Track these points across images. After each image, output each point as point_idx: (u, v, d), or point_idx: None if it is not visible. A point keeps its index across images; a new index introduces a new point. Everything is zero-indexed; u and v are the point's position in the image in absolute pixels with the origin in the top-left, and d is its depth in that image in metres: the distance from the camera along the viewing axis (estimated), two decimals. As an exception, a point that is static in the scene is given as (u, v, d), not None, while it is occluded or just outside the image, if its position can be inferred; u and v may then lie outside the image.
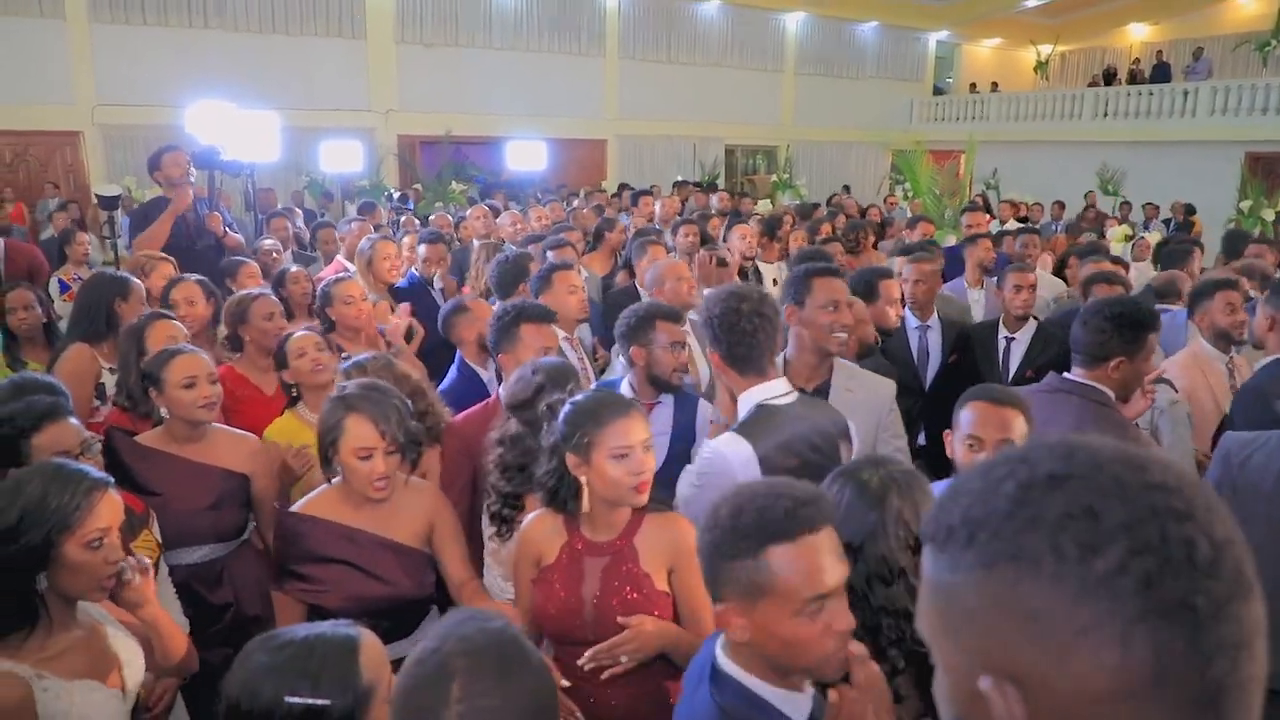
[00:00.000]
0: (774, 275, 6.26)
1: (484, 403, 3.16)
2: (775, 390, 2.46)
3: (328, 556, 2.38)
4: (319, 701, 1.38)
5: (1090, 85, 20.24)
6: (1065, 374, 2.92)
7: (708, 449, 2.43)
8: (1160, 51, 20.36)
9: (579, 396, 2.19)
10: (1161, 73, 18.95)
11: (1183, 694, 0.63)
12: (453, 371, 3.82)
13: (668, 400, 3.17)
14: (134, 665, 2.05)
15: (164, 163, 5.19)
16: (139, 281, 3.90)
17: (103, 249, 7.52)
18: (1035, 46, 21.51)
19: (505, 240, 6.30)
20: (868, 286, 4.00)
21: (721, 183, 17.76)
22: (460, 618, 1.36)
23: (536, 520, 2.24)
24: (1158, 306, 5.09)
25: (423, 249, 5.25)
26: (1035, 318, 4.46)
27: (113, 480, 1.98)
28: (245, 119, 5.53)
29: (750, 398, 2.47)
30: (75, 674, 1.86)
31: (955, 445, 2.38)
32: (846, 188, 16.89)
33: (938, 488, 2.71)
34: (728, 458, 2.34)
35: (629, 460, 2.04)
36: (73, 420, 2.36)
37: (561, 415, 2.14)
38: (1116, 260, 7.35)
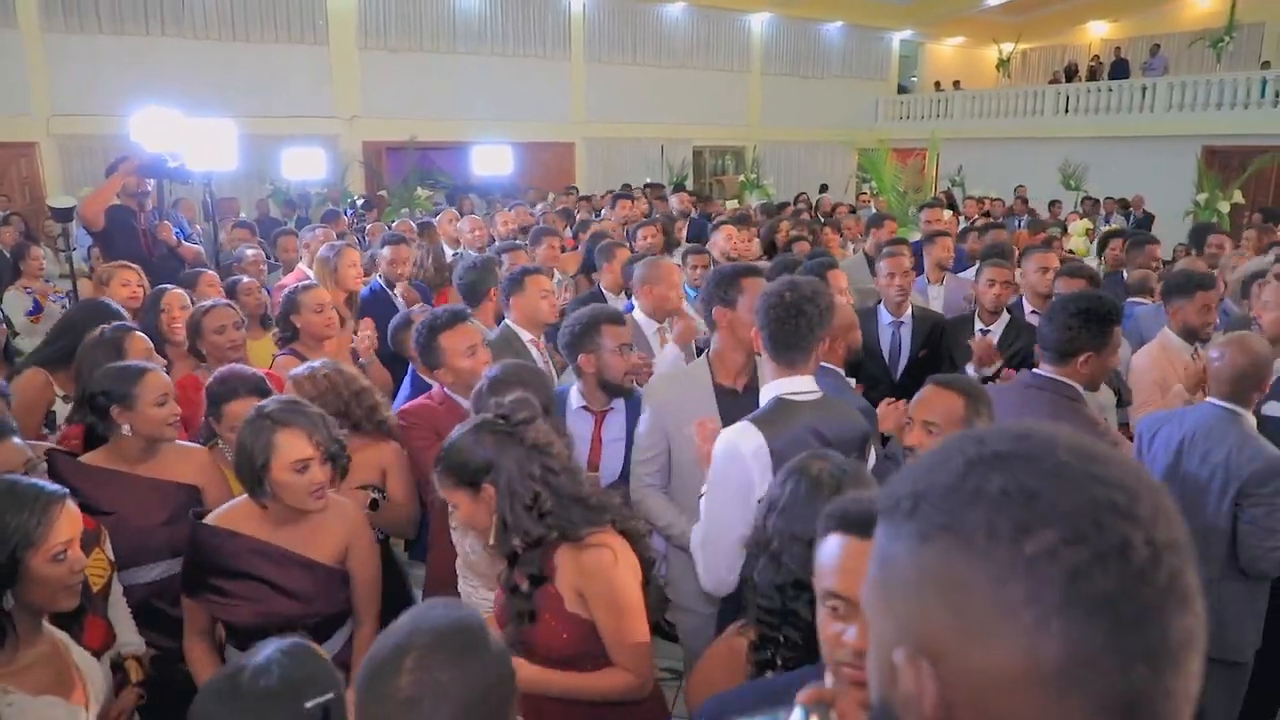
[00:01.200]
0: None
1: (428, 393, 3.16)
2: (797, 386, 2.44)
3: (241, 571, 2.35)
4: (328, 695, 1.39)
5: (1051, 82, 20.47)
6: (1034, 370, 2.98)
7: (720, 440, 2.40)
8: (1119, 48, 20.67)
9: None
10: (1120, 69, 19.22)
11: (1094, 694, 0.61)
12: (406, 386, 3.76)
13: (619, 406, 3.16)
14: (96, 682, 2.03)
15: (121, 169, 5.15)
16: (120, 310, 3.77)
17: (57, 261, 7.39)
18: (997, 45, 21.75)
19: (466, 246, 6.25)
20: (816, 275, 4.01)
21: (690, 183, 17.80)
22: (430, 604, 1.42)
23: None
24: (1130, 301, 5.18)
25: (386, 251, 5.16)
26: (1009, 310, 4.50)
27: (66, 491, 1.96)
28: (199, 127, 5.44)
29: (771, 389, 2.48)
30: (40, 689, 1.85)
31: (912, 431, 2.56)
32: (824, 187, 16.96)
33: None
34: (739, 446, 2.34)
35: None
36: (16, 440, 2.30)
37: None
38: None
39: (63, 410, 3.36)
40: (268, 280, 5.77)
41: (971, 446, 0.69)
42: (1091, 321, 2.80)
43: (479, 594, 2.58)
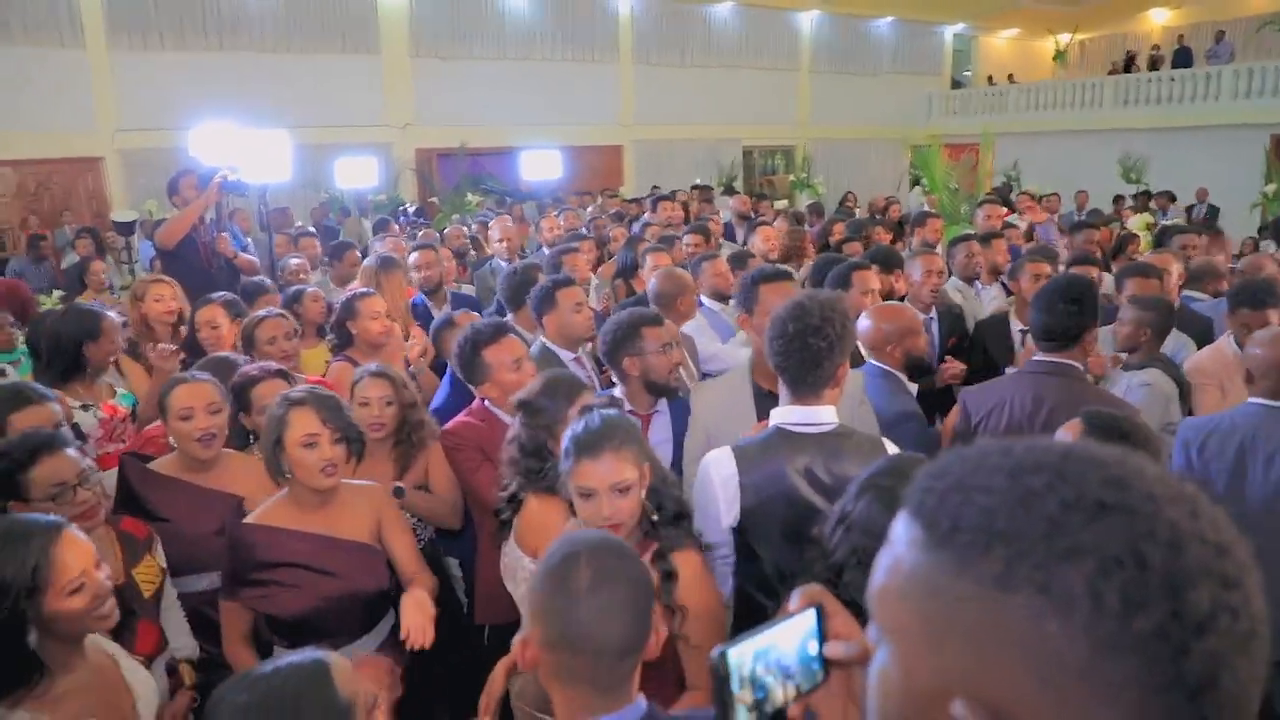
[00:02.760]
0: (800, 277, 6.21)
1: (469, 409, 3.18)
2: (805, 417, 2.33)
3: (280, 561, 2.43)
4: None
5: (1110, 73, 19.97)
6: (1039, 358, 3.04)
7: (701, 462, 2.39)
8: (1182, 36, 20.07)
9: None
10: (1183, 57, 18.68)
11: None
12: (445, 386, 3.77)
13: (664, 408, 3.16)
14: (145, 696, 2.06)
15: (181, 186, 5.33)
16: (112, 317, 3.80)
17: (119, 273, 7.63)
18: (1053, 36, 21.27)
19: (496, 255, 6.27)
20: (841, 278, 3.96)
21: (740, 184, 17.73)
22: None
23: (574, 523, 2.19)
24: (1185, 295, 5.04)
25: (414, 258, 5.14)
26: None
27: (63, 520, 1.94)
28: (254, 139, 5.58)
29: (776, 416, 2.39)
30: (78, 716, 1.85)
31: None
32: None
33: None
34: (709, 471, 2.32)
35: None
36: (70, 451, 2.37)
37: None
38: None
39: (84, 419, 3.43)
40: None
41: (1064, 488, 0.61)
42: (1084, 302, 2.95)
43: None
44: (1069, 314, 2.90)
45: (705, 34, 18.12)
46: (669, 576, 1.97)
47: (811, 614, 1.01)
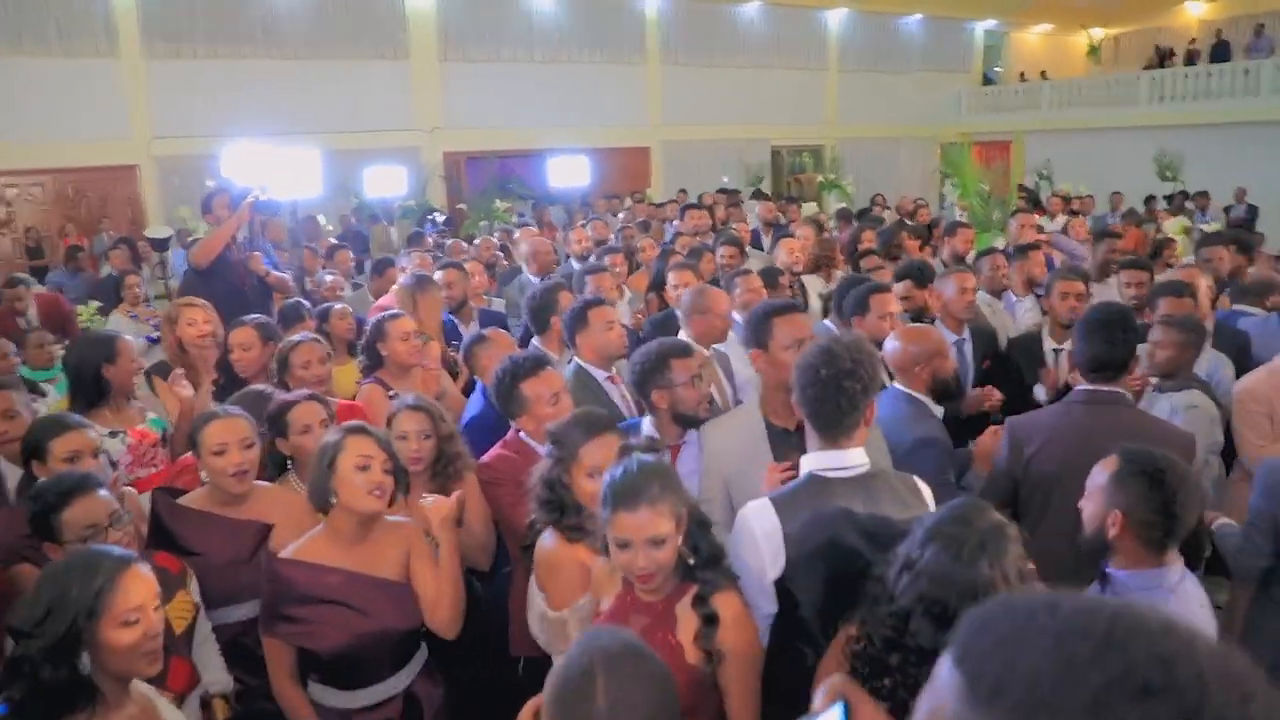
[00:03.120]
0: (820, 290, 6.17)
1: (504, 441, 3.18)
2: (838, 461, 2.28)
3: (318, 597, 2.45)
4: None
5: (1145, 68, 19.64)
6: (1087, 387, 3.00)
7: (740, 514, 2.34)
8: (1219, 30, 19.70)
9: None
10: (1221, 52, 18.33)
11: None
12: (478, 400, 3.82)
13: (693, 439, 3.14)
14: None
15: (214, 205, 5.40)
16: (128, 340, 3.79)
17: (154, 286, 7.73)
18: (1086, 31, 20.96)
19: (529, 273, 6.26)
20: (859, 302, 3.91)
21: (768, 184, 17.65)
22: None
23: (603, 562, 2.23)
24: (1237, 309, 4.94)
25: (438, 275, 5.10)
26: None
27: (135, 555, 2.03)
28: (284, 156, 5.64)
29: (808, 463, 2.34)
30: None
31: None
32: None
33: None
34: (750, 530, 2.26)
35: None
36: (102, 493, 2.40)
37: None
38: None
39: (112, 446, 3.43)
40: (348, 302, 5.91)
41: (1113, 661, 0.60)
42: (1132, 330, 3.00)
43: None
44: (1119, 344, 2.92)
45: (732, 34, 18.05)
46: (710, 620, 1.97)
47: (838, 710, 1.01)
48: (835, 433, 2.28)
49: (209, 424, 2.80)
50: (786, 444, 2.85)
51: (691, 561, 2.05)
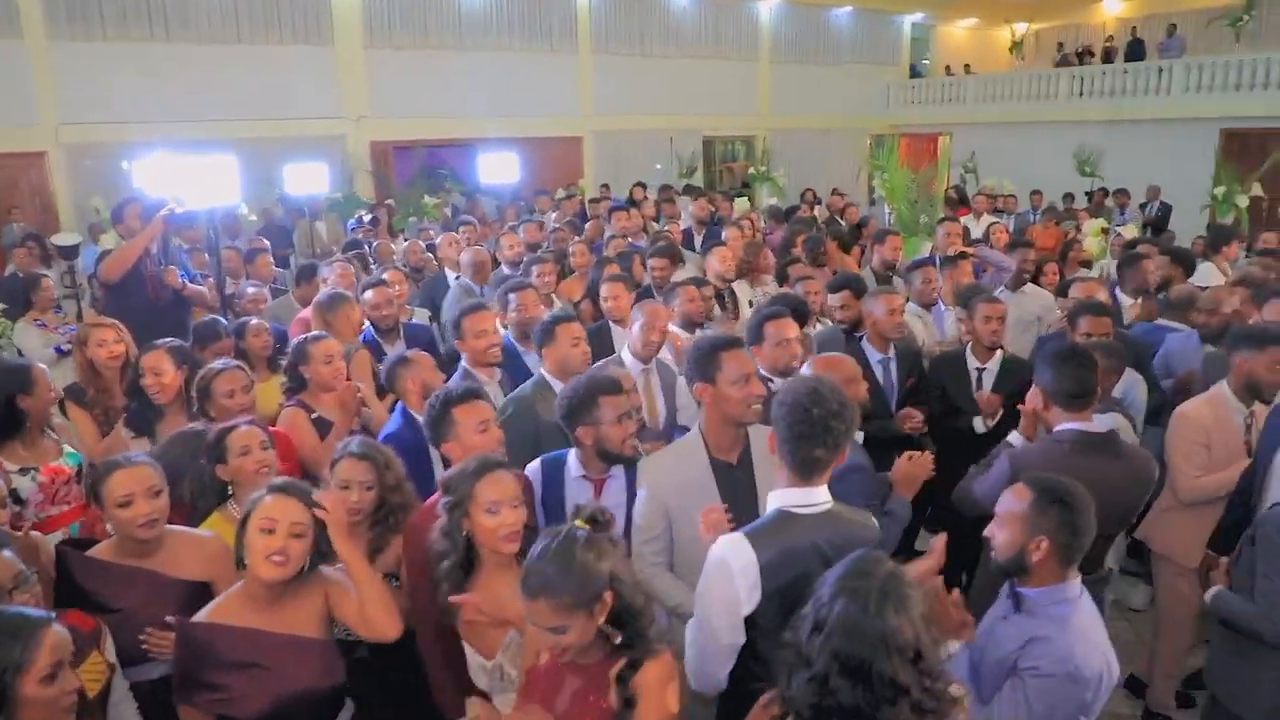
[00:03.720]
0: (749, 298, 6.19)
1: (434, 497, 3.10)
2: (806, 499, 2.34)
3: (237, 662, 2.37)
4: None
5: (1060, 64, 20.16)
6: (1076, 426, 3.06)
7: (714, 549, 2.32)
8: (1135, 28, 20.32)
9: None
10: (1136, 50, 18.91)
11: None
12: (397, 419, 3.81)
13: (618, 472, 3.12)
14: None
15: (126, 215, 5.17)
16: (43, 369, 3.63)
17: (61, 290, 7.37)
18: (1010, 25, 21.41)
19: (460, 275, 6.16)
20: (754, 331, 3.89)
21: (700, 175, 17.67)
22: None
23: None
24: (1162, 324, 5.09)
25: (369, 296, 5.00)
26: (1001, 347, 4.46)
27: (53, 615, 2.06)
28: (201, 162, 5.40)
29: (776, 499, 2.38)
30: None
31: None
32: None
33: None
34: (728, 562, 2.26)
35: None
36: (6, 553, 2.30)
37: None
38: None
39: (22, 484, 3.31)
40: (271, 310, 5.73)
41: None
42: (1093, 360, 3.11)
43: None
44: (1091, 370, 3.05)
45: (665, 23, 17.97)
46: (628, 703, 1.97)
47: None
48: (811, 471, 2.33)
49: (112, 474, 2.66)
50: (730, 478, 2.88)
51: (618, 641, 2.01)
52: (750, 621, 2.28)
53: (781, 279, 6.31)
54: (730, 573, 2.24)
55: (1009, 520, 2.38)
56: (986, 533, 2.46)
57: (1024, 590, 2.41)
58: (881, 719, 1.69)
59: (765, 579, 2.23)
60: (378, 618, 2.49)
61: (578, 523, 2.06)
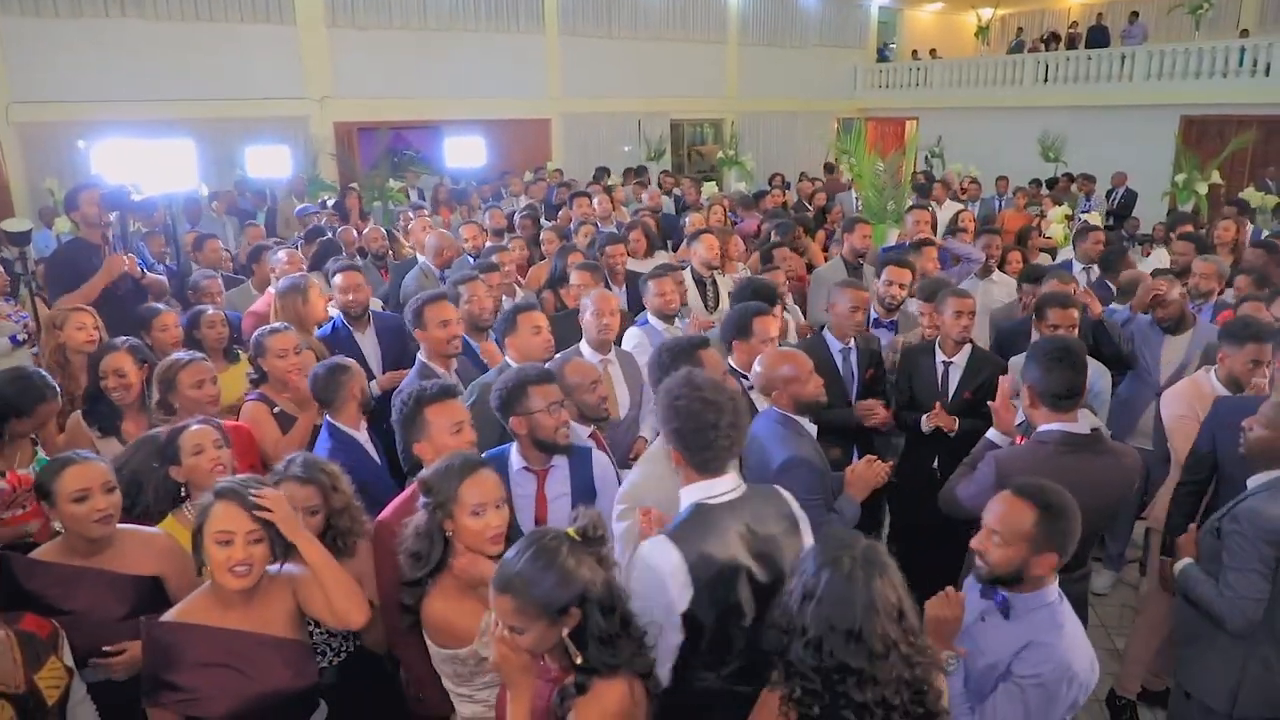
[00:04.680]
0: (729, 289, 6.15)
1: (410, 490, 3.06)
2: (715, 489, 2.40)
3: (205, 662, 2.34)
4: None
5: (1028, 50, 20.26)
6: (1065, 429, 3.04)
7: (637, 559, 2.35)
8: (1100, 14, 20.47)
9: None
10: (1099, 36, 19.05)
11: None
12: (325, 439, 3.61)
13: (561, 462, 3.12)
14: None
15: (81, 201, 4.99)
16: (55, 389, 3.53)
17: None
18: (975, 10, 21.48)
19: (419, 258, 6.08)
20: (742, 326, 3.90)
21: (668, 158, 17.60)
22: None
23: None
24: (1110, 308, 5.18)
25: (338, 279, 4.87)
26: (970, 341, 4.48)
27: None
28: (157, 150, 5.26)
29: (689, 494, 2.43)
30: None
31: None
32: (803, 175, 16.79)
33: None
34: (656, 569, 2.28)
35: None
36: None
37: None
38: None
39: None
40: (228, 298, 5.62)
41: None
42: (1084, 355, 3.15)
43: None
44: (1081, 370, 3.06)
45: (632, 4, 17.79)
46: None
47: None
48: (713, 466, 2.41)
49: (65, 470, 2.61)
50: None
51: (579, 661, 1.97)
52: (687, 617, 2.31)
53: (766, 259, 6.26)
54: (660, 576, 2.28)
55: (1012, 539, 2.35)
56: (975, 545, 2.45)
57: (1011, 595, 2.42)
58: (877, 673, 1.86)
59: (695, 575, 2.28)
60: (341, 605, 2.47)
61: (569, 530, 2.03)
